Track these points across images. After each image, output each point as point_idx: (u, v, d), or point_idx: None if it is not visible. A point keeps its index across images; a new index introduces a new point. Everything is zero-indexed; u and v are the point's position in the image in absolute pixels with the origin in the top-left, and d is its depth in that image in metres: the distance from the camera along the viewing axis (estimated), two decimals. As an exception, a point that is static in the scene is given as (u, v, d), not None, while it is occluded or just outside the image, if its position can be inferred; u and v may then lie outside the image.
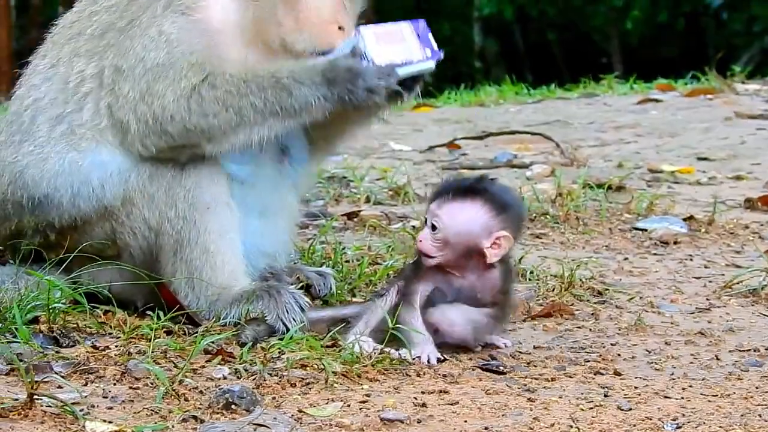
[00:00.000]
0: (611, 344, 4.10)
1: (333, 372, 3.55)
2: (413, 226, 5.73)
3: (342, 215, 6.10)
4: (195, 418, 3.17)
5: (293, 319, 3.97)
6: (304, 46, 4.11)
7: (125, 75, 4.07)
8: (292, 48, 4.12)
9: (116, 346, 3.77)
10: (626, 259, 5.39)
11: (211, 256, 4.10)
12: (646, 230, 5.85)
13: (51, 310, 3.91)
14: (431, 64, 4.10)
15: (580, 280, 4.80)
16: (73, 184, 4.10)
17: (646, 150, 8.59)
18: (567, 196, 6.20)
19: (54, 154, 4.13)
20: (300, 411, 3.28)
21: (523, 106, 11.32)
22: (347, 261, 4.95)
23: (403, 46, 4.08)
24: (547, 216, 5.97)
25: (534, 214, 5.99)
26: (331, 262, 4.88)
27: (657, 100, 10.87)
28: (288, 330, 3.91)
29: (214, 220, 4.08)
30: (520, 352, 3.98)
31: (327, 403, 3.36)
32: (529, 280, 4.85)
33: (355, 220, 6.01)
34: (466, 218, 3.80)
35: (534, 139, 8.75)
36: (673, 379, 3.72)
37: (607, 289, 4.76)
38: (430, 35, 4.11)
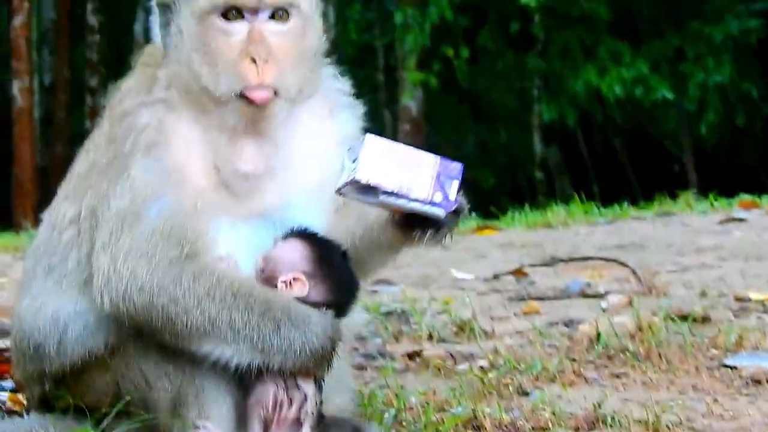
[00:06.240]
0: (706, 499, 4.06)
1: None
2: (481, 367, 5.73)
3: (403, 355, 6.14)
4: None
5: None
6: (227, 88, 4.09)
7: (99, 221, 4.08)
8: (216, 95, 4.10)
9: None
10: (716, 400, 5.31)
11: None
12: (735, 368, 5.76)
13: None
14: (434, 211, 3.95)
15: (667, 426, 4.75)
16: (59, 335, 4.17)
17: (730, 275, 8.52)
18: (648, 330, 6.16)
19: (43, 305, 4.23)
20: None
21: (593, 227, 11.37)
22: (410, 408, 4.96)
23: (409, 176, 3.91)
24: (627, 353, 5.93)
25: (612, 351, 5.96)
26: (393, 409, 4.89)
27: (740, 220, 10.87)
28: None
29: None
30: None
31: None
32: (611, 426, 4.81)
33: (417, 360, 6.01)
34: (282, 250, 4.14)
35: (607, 264, 8.78)
36: None
37: (697, 436, 4.71)
38: (456, 183, 3.95)
